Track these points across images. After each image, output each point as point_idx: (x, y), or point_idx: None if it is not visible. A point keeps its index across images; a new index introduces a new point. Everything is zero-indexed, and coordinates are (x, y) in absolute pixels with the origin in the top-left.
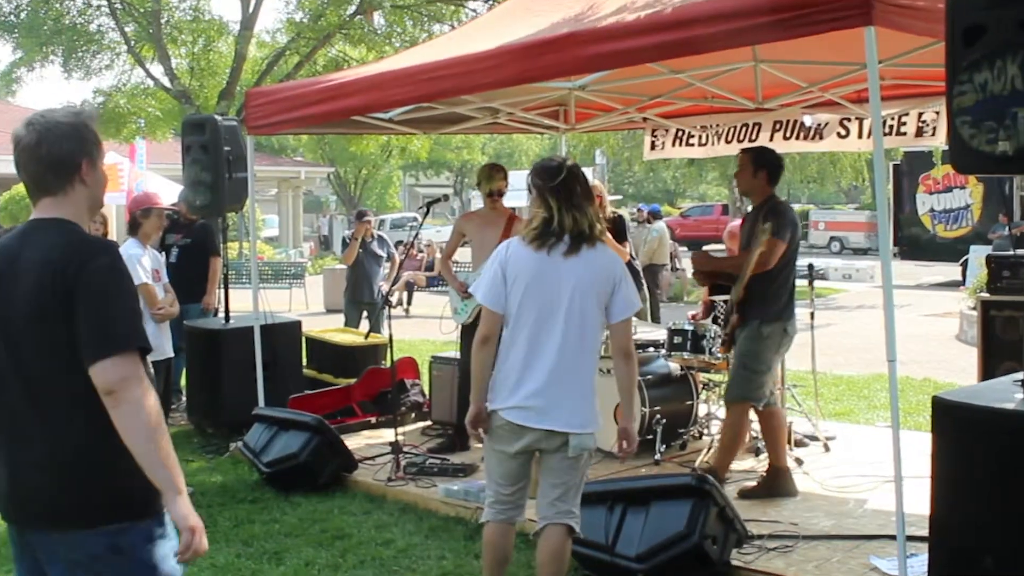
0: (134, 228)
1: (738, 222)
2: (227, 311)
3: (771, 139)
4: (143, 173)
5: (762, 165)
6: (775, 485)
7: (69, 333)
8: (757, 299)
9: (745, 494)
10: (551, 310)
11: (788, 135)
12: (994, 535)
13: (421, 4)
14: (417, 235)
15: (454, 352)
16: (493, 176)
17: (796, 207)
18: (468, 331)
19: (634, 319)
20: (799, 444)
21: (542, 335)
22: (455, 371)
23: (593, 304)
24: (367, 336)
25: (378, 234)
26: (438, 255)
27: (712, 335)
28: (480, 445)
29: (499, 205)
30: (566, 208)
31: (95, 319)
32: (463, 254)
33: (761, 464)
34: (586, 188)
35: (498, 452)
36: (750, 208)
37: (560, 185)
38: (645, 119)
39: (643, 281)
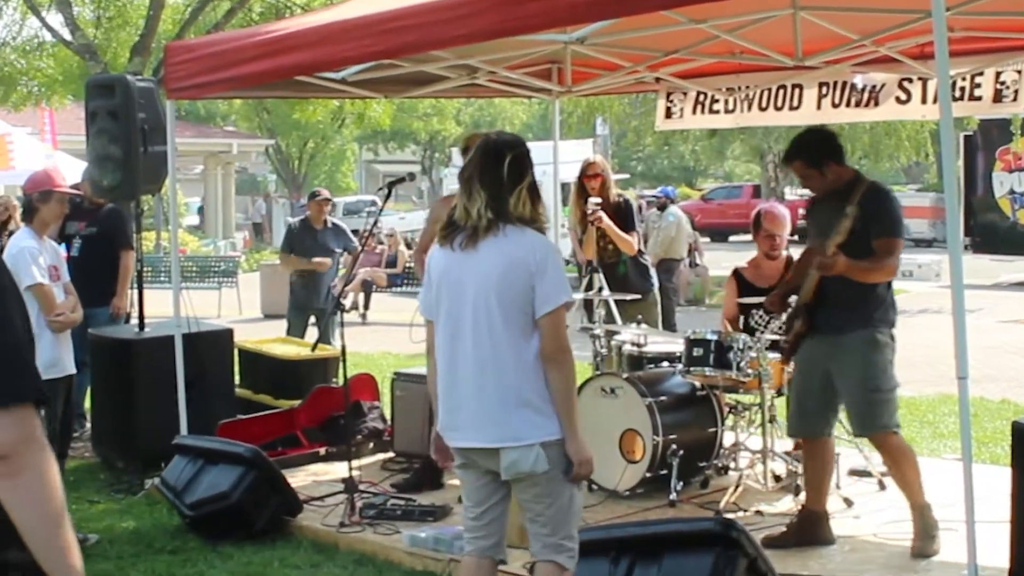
0: (29, 215)
1: (781, 206)
2: (141, 317)
3: (818, 106)
4: (43, 145)
5: (821, 157)
6: (808, 532)
7: None
8: (861, 299)
9: (771, 542)
10: (459, 314)
11: (837, 101)
12: None
13: None
14: (376, 223)
15: (423, 367)
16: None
17: None
18: None
19: (644, 326)
20: (856, 474)
21: (456, 343)
22: (426, 391)
23: (504, 302)
24: (315, 348)
25: (333, 221)
26: (403, 248)
27: (741, 346)
28: (456, 482)
29: None
30: (464, 193)
31: None
32: None
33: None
34: (494, 163)
35: (458, 469)
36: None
37: (465, 166)
38: (658, 80)
39: (654, 280)
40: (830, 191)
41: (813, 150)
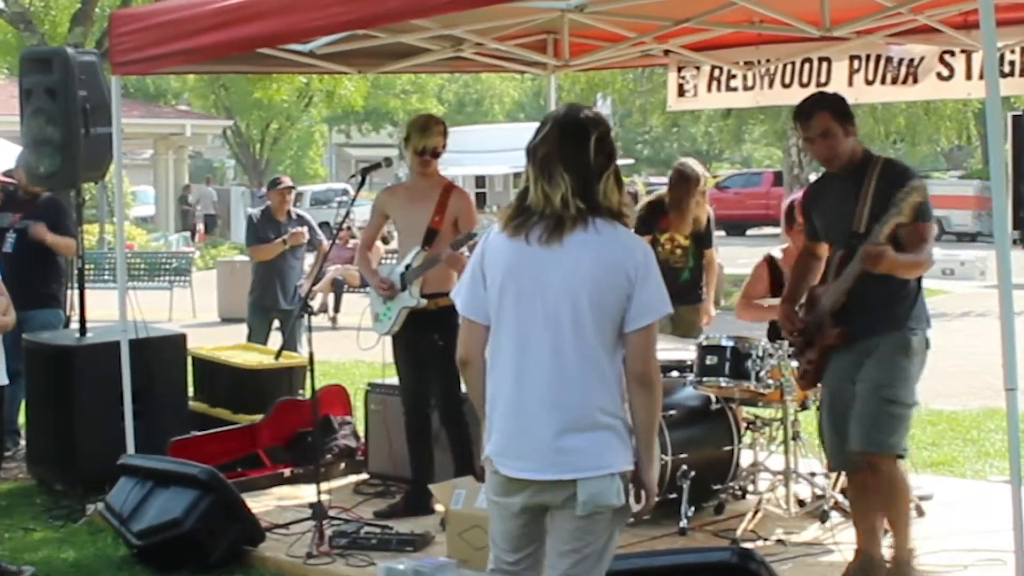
0: None
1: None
2: (83, 321)
3: (849, 82)
4: None
5: (849, 116)
6: None
7: None
8: (893, 297)
9: None
10: (533, 320)
11: (871, 77)
12: None
13: None
14: (348, 214)
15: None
16: (428, 129)
17: None
18: (397, 344)
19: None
20: None
21: (526, 354)
22: (400, 404)
23: (596, 309)
24: (278, 355)
25: (297, 212)
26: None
27: (761, 353)
28: (440, 509)
29: (432, 170)
30: (542, 176)
31: None
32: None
33: (828, 534)
34: (579, 143)
35: (495, 504)
36: (813, 175)
37: (539, 143)
38: (667, 52)
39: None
40: (846, 166)
41: (840, 105)
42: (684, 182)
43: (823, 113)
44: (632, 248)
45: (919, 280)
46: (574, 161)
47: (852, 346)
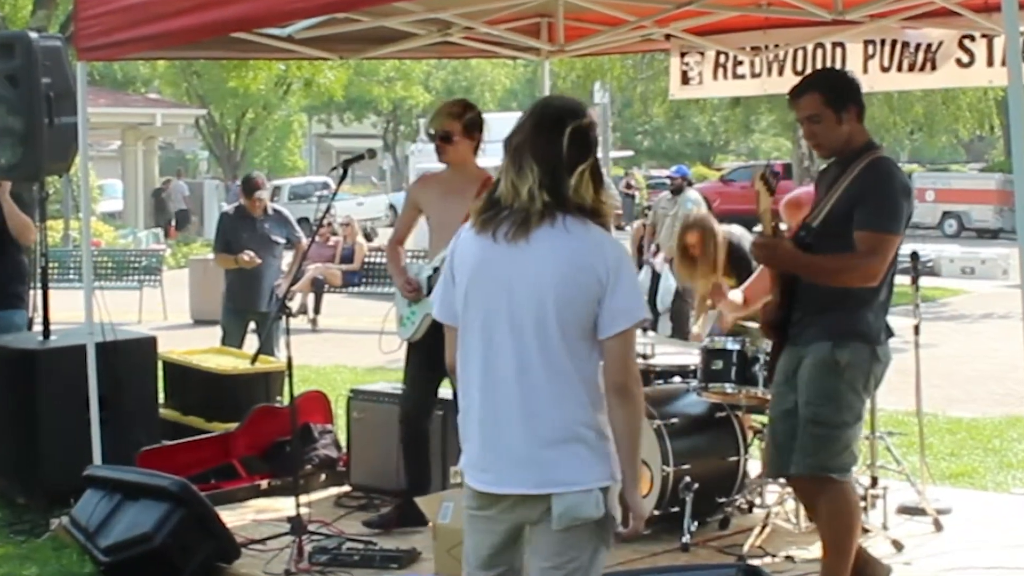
0: None
1: (804, 190)
2: (46, 323)
3: (864, 69)
4: None
5: (846, 100)
6: None
7: None
8: (828, 304)
9: None
10: (500, 322)
11: (887, 63)
12: None
13: None
14: (329, 209)
15: (385, 383)
16: (438, 112)
17: None
18: (417, 350)
19: (652, 334)
20: (907, 512)
21: (493, 359)
22: (389, 412)
23: (564, 313)
24: (255, 360)
25: (274, 208)
26: (360, 239)
27: (768, 358)
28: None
29: (453, 158)
30: (512, 166)
31: None
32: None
33: None
34: (552, 134)
35: (468, 517)
36: (823, 166)
37: (514, 133)
38: (669, 37)
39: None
40: (838, 155)
41: (837, 86)
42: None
43: (813, 95)
44: (603, 248)
45: (879, 289)
46: (544, 152)
47: (790, 348)
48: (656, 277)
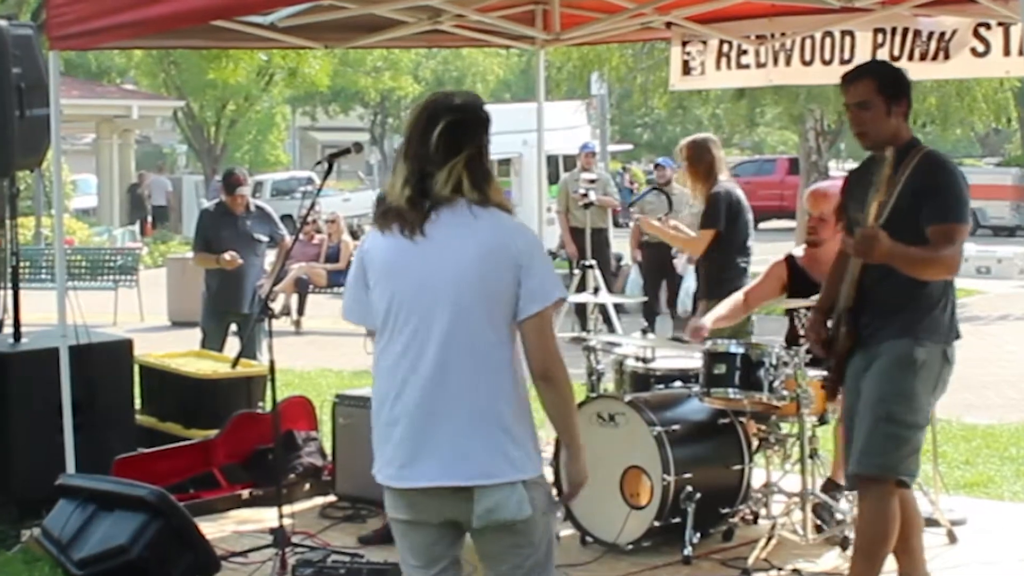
0: None
1: (830, 183)
2: (17, 324)
3: (873, 59)
4: None
5: (899, 93)
6: None
7: None
8: (905, 301)
9: None
10: (417, 318)
11: (897, 52)
12: None
13: None
14: (314, 206)
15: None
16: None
17: None
18: None
19: (652, 336)
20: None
21: (412, 355)
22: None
23: (486, 300)
24: (235, 364)
25: (256, 204)
26: (347, 237)
27: (774, 361)
28: None
29: None
30: (395, 165)
31: None
32: None
33: (849, 563)
34: (425, 130)
35: (392, 520)
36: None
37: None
38: (670, 25)
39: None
40: (880, 148)
41: (893, 78)
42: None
43: (867, 81)
44: (515, 231)
45: (946, 286)
46: (416, 148)
47: (861, 351)
48: (678, 280)
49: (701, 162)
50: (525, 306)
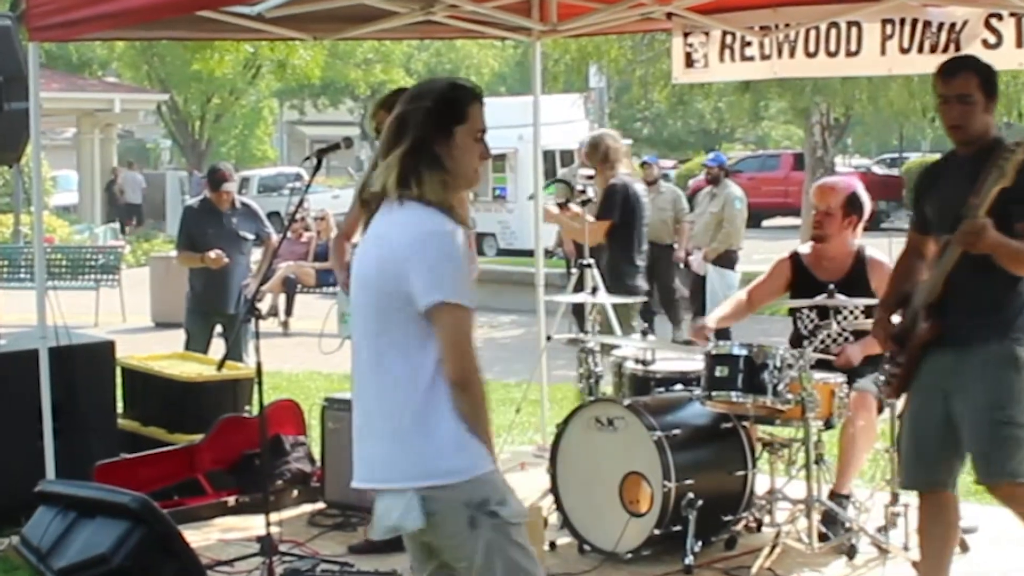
0: None
1: (838, 177)
2: None
3: (882, 51)
4: None
5: (995, 92)
6: None
7: None
8: (999, 301)
9: None
10: (357, 317)
11: (906, 44)
12: None
13: None
14: (302, 203)
15: None
16: (382, 107)
17: (913, 158)
18: None
19: (652, 338)
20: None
21: (355, 356)
22: None
23: (381, 297)
24: (221, 366)
25: (242, 201)
26: (335, 235)
27: (779, 364)
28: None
29: None
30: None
31: None
32: None
33: (856, 573)
34: (389, 123)
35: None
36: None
37: None
38: (671, 16)
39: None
40: (971, 144)
41: (992, 76)
42: None
43: (971, 75)
44: (410, 227)
45: None
46: (382, 142)
47: (947, 349)
48: (700, 280)
49: (595, 154)
50: (420, 306)
